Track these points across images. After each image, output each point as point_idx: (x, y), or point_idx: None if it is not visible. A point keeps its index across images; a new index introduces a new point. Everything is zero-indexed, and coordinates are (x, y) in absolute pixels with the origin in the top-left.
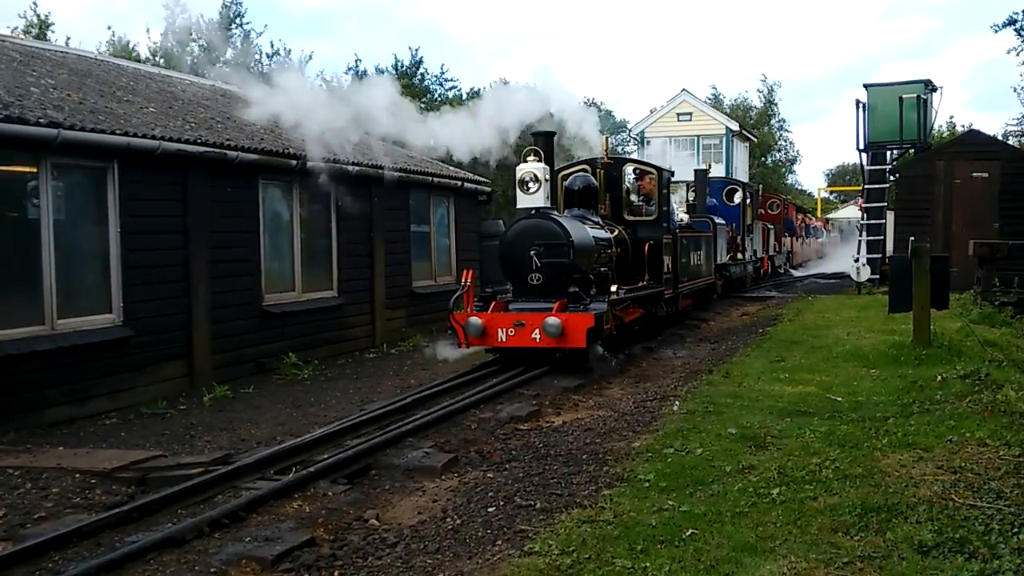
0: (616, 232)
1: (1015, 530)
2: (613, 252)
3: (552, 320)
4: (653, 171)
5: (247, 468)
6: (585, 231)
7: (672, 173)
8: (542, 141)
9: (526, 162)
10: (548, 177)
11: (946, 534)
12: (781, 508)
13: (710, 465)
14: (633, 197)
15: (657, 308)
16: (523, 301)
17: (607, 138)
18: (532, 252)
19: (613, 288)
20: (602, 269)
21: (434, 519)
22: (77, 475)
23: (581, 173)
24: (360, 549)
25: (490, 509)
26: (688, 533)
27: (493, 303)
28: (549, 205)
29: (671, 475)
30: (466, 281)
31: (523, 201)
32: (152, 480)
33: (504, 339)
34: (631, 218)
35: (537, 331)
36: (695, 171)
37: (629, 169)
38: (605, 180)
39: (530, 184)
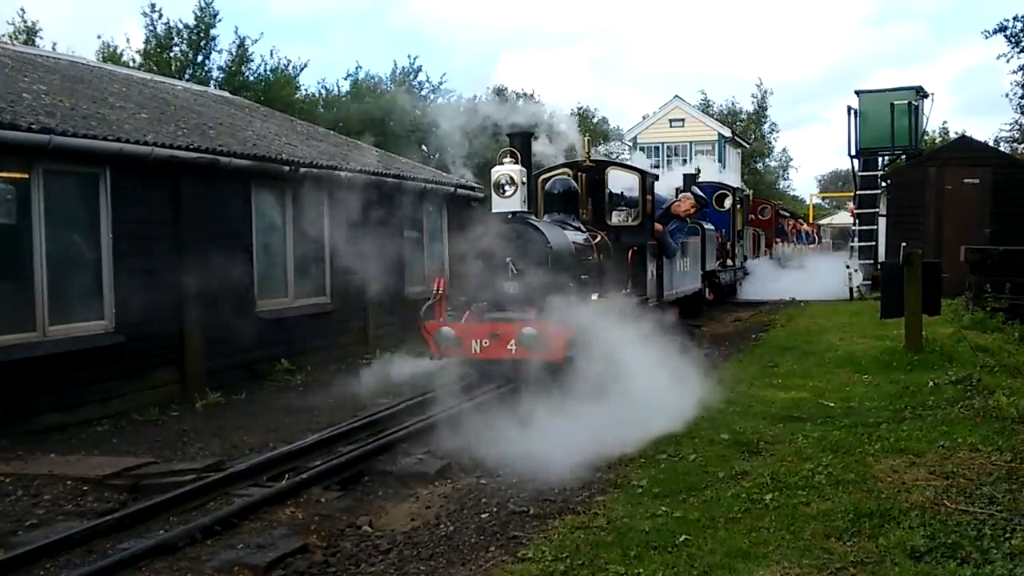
0: (598, 238)
1: (1007, 535)
2: (594, 259)
3: (528, 330)
4: (636, 174)
5: (239, 474)
6: (564, 237)
7: (656, 177)
8: (519, 141)
9: (502, 164)
10: (525, 180)
11: (939, 539)
12: (774, 514)
13: (703, 471)
14: (617, 201)
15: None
16: (499, 311)
17: (588, 140)
18: (508, 259)
19: (594, 297)
20: (583, 277)
21: (427, 525)
22: (69, 482)
23: (562, 176)
24: (353, 556)
25: (483, 515)
26: (681, 539)
27: (467, 312)
28: (526, 209)
29: (664, 481)
30: (438, 289)
31: (499, 205)
32: (144, 487)
33: (478, 350)
34: (614, 223)
35: (513, 342)
36: (684, 175)
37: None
38: (587, 184)
39: (506, 187)
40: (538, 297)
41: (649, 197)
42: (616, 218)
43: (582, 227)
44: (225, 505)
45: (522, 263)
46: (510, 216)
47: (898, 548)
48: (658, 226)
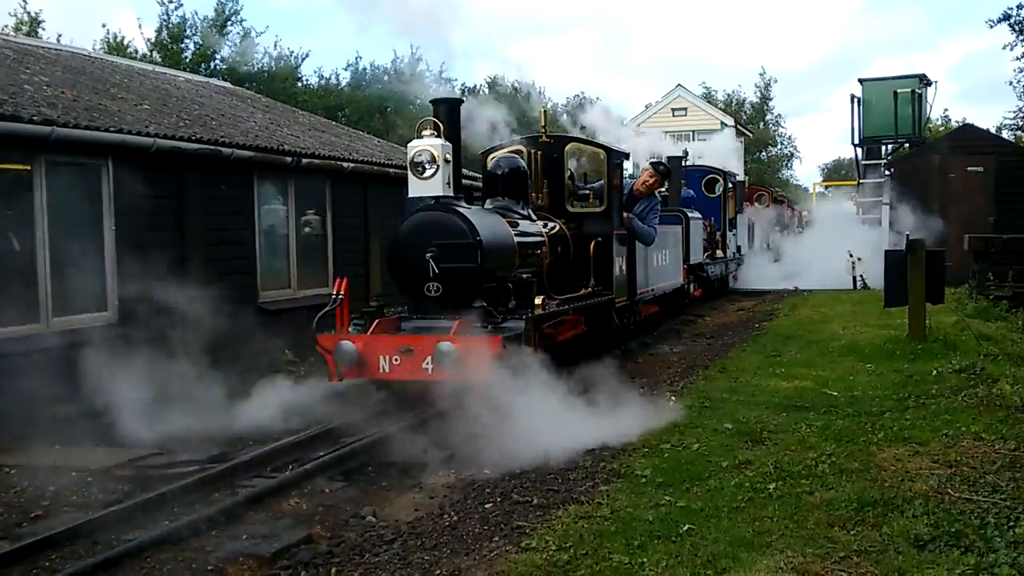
0: (555, 228)
1: (1011, 524)
2: (545, 253)
3: (445, 346)
4: (600, 151)
5: (244, 465)
6: (501, 227)
7: (626, 155)
8: (444, 110)
9: (420, 138)
10: (450, 157)
11: (942, 528)
12: (777, 503)
13: (706, 460)
14: (580, 183)
15: (610, 320)
16: (419, 318)
17: (545, 112)
18: (429, 255)
19: (538, 300)
20: (525, 275)
21: (431, 516)
22: (73, 473)
23: (508, 155)
24: (357, 546)
25: (487, 505)
26: (685, 528)
27: (377, 321)
28: (452, 193)
29: (668, 471)
30: (338, 293)
31: (417, 188)
32: (149, 478)
33: (387, 370)
34: (575, 210)
35: (429, 359)
36: (668, 158)
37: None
38: (542, 163)
39: (425, 166)
40: (464, 302)
41: (617, 178)
42: (578, 204)
43: (532, 215)
44: (230, 496)
45: (446, 260)
46: (432, 202)
47: (901, 537)
48: (624, 214)
